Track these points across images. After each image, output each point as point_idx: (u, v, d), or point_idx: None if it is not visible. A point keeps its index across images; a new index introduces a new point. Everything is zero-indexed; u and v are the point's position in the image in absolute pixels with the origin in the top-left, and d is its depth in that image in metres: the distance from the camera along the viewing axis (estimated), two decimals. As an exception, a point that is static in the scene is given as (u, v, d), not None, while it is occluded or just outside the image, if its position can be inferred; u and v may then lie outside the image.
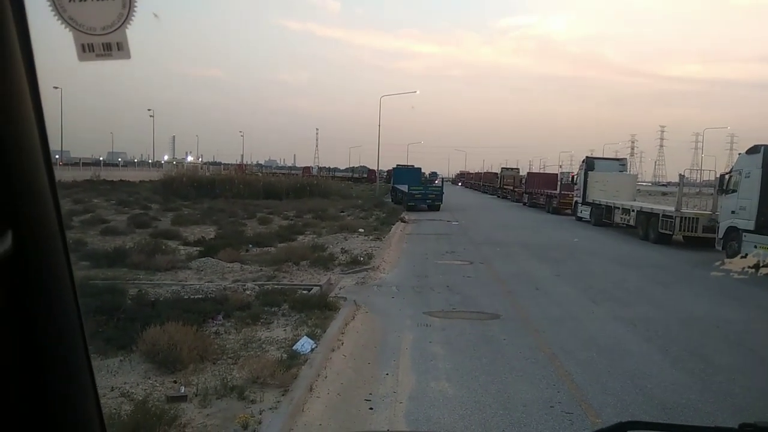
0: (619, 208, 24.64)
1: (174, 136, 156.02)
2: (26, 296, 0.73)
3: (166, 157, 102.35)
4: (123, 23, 0.79)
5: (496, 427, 5.05)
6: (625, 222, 23.85)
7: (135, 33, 0.81)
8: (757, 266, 13.12)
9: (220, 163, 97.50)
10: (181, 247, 14.54)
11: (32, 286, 0.74)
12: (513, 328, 8.45)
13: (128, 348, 6.25)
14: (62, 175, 52.90)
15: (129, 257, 11.90)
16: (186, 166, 60.39)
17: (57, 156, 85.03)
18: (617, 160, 32.65)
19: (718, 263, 13.50)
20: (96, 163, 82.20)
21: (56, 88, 73.74)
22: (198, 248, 13.99)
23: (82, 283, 8.92)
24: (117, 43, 0.80)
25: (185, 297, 8.75)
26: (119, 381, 5.54)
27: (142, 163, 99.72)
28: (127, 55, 0.81)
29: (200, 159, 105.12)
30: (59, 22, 0.77)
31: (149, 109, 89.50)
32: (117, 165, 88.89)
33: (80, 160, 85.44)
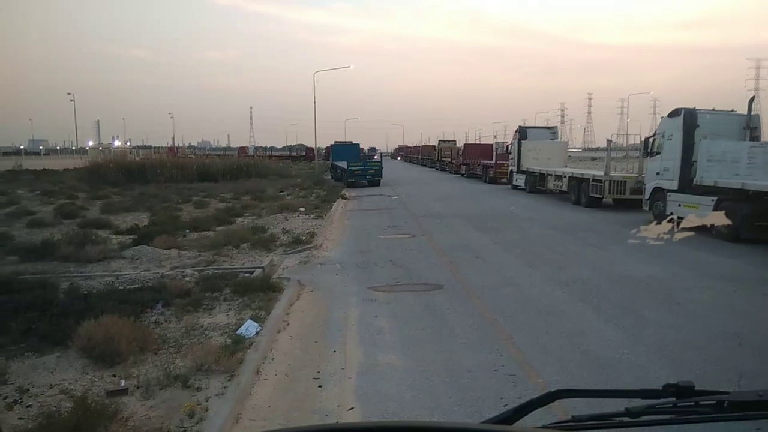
0: (551, 174, 25.42)
1: (98, 121, 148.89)
2: None
3: (90, 143, 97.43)
4: None
5: (443, 395, 5.17)
6: (558, 188, 24.67)
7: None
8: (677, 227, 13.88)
9: (150, 147, 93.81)
10: (113, 236, 13.99)
11: None
12: (455, 297, 8.63)
13: (64, 344, 5.99)
14: (-22, 166, 49.60)
15: (58, 249, 11.36)
16: (113, 152, 57.84)
17: (-29, 146, 79.54)
18: (548, 128, 33.56)
19: (645, 225, 14.20)
20: (17, 152, 77.50)
21: (-35, 73, 68.82)
22: (131, 236, 13.49)
23: (10, 278, 8.48)
24: None
25: (120, 287, 8.46)
26: (57, 378, 5.33)
27: (65, 150, 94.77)
28: None
29: (128, 143, 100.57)
30: None
31: (69, 93, 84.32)
32: (39, 153, 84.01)
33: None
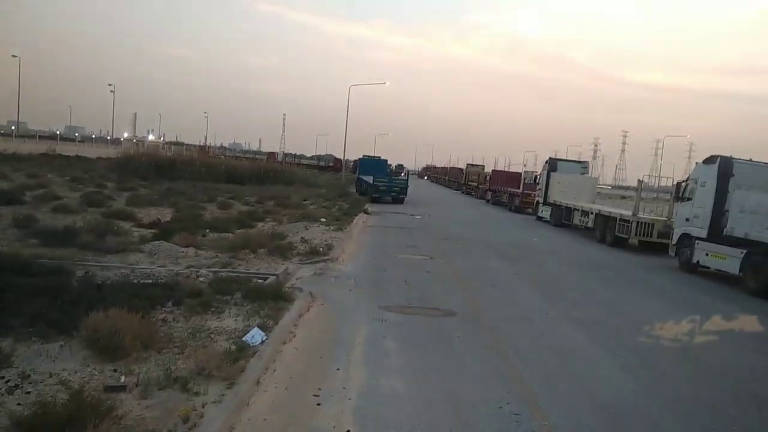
0: (578, 210, 25.06)
1: (135, 113, 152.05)
2: None
3: (125, 134, 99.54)
4: None
5: (444, 428, 5.01)
6: (584, 224, 24.28)
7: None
8: None
9: (182, 144, 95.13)
10: (135, 229, 14.10)
11: None
12: (468, 325, 8.45)
13: (69, 333, 5.97)
14: (18, 147, 50.96)
15: (79, 237, 11.47)
16: (146, 145, 58.89)
17: (13, 126, 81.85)
18: (579, 162, 33.21)
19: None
20: (53, 137, 79.38)
21: (14, 56, 71.12)
22: (152, 231, 13.60)
23: (29, 261, 8.55)
24: None
25: (134, 281, 8.47)
26: (58, 367, 5.29)
27: (101, 139, 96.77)
28: None
29: (162, 138, 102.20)
30: None
31: (110, 84, 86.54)
32: (74, 140, 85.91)
33: (37, 133, 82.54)
